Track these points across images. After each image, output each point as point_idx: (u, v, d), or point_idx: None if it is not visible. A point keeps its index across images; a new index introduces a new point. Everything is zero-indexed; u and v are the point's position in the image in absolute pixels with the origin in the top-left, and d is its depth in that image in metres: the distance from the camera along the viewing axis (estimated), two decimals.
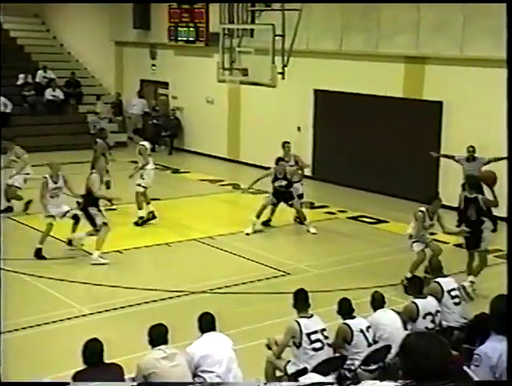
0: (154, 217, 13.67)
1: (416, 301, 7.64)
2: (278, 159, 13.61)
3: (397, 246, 12.70)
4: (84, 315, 9.44)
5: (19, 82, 22.64)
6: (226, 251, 12.34)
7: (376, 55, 16.30)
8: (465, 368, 3.95)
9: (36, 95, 22.46)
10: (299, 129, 18.21)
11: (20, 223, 13.53)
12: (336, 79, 17.13)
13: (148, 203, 13.79)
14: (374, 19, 16.23)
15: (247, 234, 13.15)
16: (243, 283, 10.74)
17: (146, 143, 14.25)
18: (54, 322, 9.17)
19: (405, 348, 3.01)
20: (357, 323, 7.11)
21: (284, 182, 13.30)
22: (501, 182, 10.08)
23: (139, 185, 13.70)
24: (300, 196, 13.72)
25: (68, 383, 6.03)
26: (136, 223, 13.53)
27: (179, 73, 21.50)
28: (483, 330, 4.88)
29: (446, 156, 14.36)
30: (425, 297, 7.71)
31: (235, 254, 12.19)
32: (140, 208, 13.68)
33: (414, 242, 10.90)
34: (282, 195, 13.35)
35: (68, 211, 11.91)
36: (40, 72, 23.03)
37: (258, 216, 13.33)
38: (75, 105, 23.30)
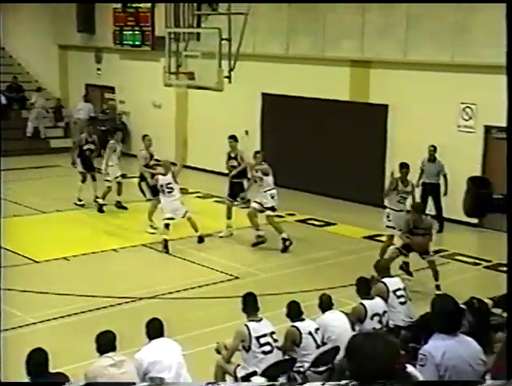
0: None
1: (364, 302, 7.71)
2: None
3: (345, 248, 12.84)
4: (27, 325, 9.24)
5: None
6: (174, 255, 12.25)
7: (322, 58, 16.45)
8: (410, 368, 3.99)
9: None
10: (246, 132, 18.21)
11: None
12: (283, 82, 17.21)
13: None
14: (320, 23, 16.39)
15: (221, 237, 13.27)
16: (192, 288, 10.68)
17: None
18: None
19: (350, 349, 3.03)
20: (306, 326, 7.14)
21: (235, 163, 13.28)
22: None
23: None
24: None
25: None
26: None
27: (125, 77, 21.29)
28: (428, 330, 4.95)
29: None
30: (372, 298, 7.79)
31: (183, 259, 12.11)
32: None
33: (387, 225, 11.64)
34: (233, 188, 13.37)
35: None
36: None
37: (229, 217, 13.38)
38: (18, 110, 22.84)
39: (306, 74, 16.82)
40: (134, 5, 20.28)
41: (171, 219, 12.50)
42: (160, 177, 12.75)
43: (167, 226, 12.47)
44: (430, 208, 13.81)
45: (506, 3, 5.96)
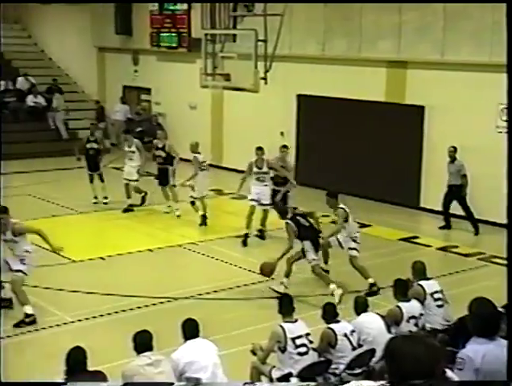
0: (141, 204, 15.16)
1: (400, 304, 7.66)
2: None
3: (380, 250, 12.75)
4: (65, 323, 9.37)
5: (0, 89, 22.49)
6: (210, 256, 12.31)
7: (358, 59, 16.37)
8: (449, 373, 3.94)
9: (17, 101, 22.33)
10: (282, 133, 18.22)
11: None
12: (319, 83, 17.18)
13: (129, 197, 15.10)
14: (357, 24, 16.31)
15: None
16: (228, 288, 10.72)
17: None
18: (37, 330, 9.10)
19: (390, 352, 3.01)
20: (341, 327, 7.12)
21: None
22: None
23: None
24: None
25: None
26: (125, 210, 14.82)
27: (161, 79, 21.47)
28: (466, 333, 4.89)
29: None
30: (409, 301, 7.73)
31: (218, 259, 12.16)
32: (129, 197, 15.03)
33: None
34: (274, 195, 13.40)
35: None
36: (21, 79, 22.89)
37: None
38: (66, 114, 23.15)
39: (342, 75, 16.76)
40: (170, 7, 20.45)
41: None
42: (198, 155, 14.12)
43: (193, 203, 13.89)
44: (454, 209, 13.85)
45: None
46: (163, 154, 14.83)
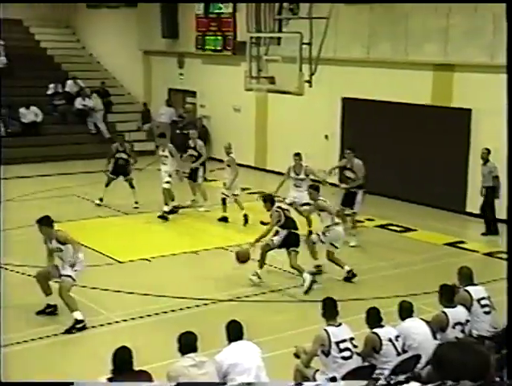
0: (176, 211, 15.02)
1: (446, 310, 7.56)
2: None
3: (425, 255, 12.62)
4: (111, 323, 9.50)
5: (49, 92, 22.94)
6: (254, 259, 12.32)
7: (404, 62, 16.23)
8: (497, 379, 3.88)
9: (66, 104, 22.75)
10: (326, 137, 18.18)
11: None
12: (364, 86, 17.09)
13: (173, 200, 15.00)
14: (402, 26, 16.18)
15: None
16: (271, 291, 10.74)
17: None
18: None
19: (437, 358, 2.98)
20: (386, 332, 7.06)
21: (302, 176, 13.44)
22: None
23: (168, 182, 14.81)
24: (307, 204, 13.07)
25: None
26: (161, 217, 14.59)
27: (206, 82, 21.62)
28: None
29: None
30: (455, 307, 7.63)
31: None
32: (166, 204, 14.78)
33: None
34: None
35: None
36: (70, 82, 23.32)
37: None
38: (104, 114, 23.54)
39: (387, 78, 16.65)
40: (216, 10, 20.59)
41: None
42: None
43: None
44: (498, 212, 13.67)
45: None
46: (195, 153, 15.37)
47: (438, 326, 7.47)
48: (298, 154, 13.78)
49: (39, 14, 25.73)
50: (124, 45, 24.53)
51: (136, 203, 15.45)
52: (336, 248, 11.36)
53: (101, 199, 15.62)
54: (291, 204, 13.07)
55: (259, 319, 9.40)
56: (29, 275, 10.83)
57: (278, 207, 11.22)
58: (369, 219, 14.87)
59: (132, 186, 15.63)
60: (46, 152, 19.85)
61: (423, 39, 15.87)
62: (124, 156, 15.71)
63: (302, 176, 13.54)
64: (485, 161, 13.85)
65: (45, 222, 9.42)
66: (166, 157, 14.95)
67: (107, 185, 15.64)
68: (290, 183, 13.77)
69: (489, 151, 13.81)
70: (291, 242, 11.01)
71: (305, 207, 12.93)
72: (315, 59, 13.36)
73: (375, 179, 16.83)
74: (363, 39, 17.02)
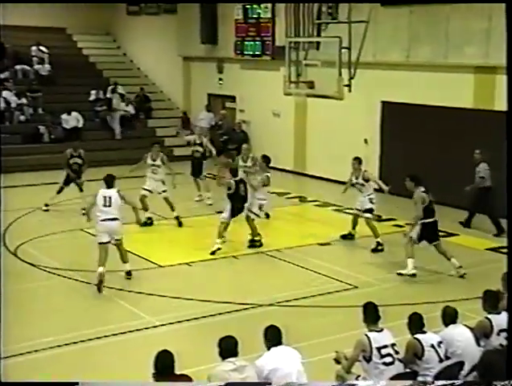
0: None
1: (490, 316, 7.43)
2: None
3: (468, 260, 12.43)
4: (152, 327, 9.57)
5: (91, 98, 23.30)
6: (293, 263, 12.32)
7: (445, 65, 16.06)
8: None
9: (107, 110, 23.05)
10: (365, 141, 18.08)
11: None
12: (404, 90, 16.95)
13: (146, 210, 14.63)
14: (443, 29, 16.01)
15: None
16: (311, 296, 10.70)
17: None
18: (124, 333, 9.34)
19: (484, 365, 2.94)
20: (428, 338, 6.97)
21: (361, 181, 13.23)
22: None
23: (165, 191, 14.92)
24: (369, 210, 13.29)
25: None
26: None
27: (245, 87, 21.69)
28: None
29: None
30: (499, 313, 7.49)
31: (302, 267, 12.16)
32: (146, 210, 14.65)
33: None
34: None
35: None
36: (111, 88, 23.63)
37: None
38: (144, 120, 23.80)
39: (427, 81, 16.49)
40: (255, 15, 20.66)
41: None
42: None
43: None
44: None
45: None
46: (201, 150, 16.42)
47: (482, 332, 7.34)
48: (356, 158, 13.52)
49: (81, 21, 26.15)
50: (164, 51, 24.77)
51: (173, 210, 14.85)
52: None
53: (46, 205, 15.61)
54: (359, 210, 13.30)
55: (299, 324, 9.38)
56: (76, 279, 11.05)
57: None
58: (409, 224, 14.70)
59: (81, 190, 15.59)
60: (88, 157, 20.12)
61: (464, 42, 15.68)
62: (78, 161, 15.76)
63: (360, 181, 13.25)
64: (479, 162, 14.24)
65: None
66: (158, 166, 14.83)
67: (59, 192, 15.62)
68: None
69: (481, 153, 14.15)
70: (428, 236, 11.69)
71: (367, 215, 13.11)
72: (354, 63, 13.32)
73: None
74: (403, 43, 16.89)
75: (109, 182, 11.26)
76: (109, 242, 10.91)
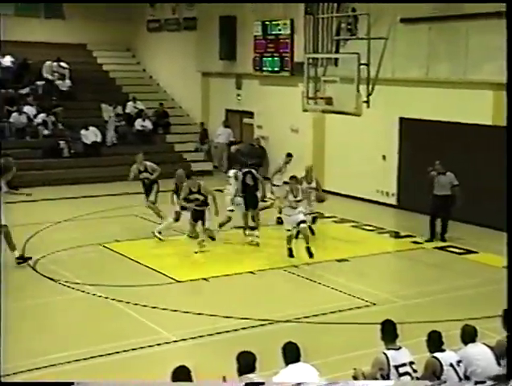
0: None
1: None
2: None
3: (487, 277, 12.36)
4: (170, 342, 9.58)
5: (110, 114, 23.46)
6: (311, 280, 12.30)
7: (463, 82, 16.03)
8: None
9: (126, 125, 23.23)
10: (384, 157, 18.05)
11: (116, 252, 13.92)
12: (422, 106, 16.93)
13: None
14: (462, 46, 15.98)
15: None
16: (331, 312, 10.66)
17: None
18: (142, 347, 9.35)
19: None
20: (447, 357, 6.91)
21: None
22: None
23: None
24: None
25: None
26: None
27: (264, 102, 21.77)
28: None
29: None
30: None
31: (319, 283, 12.13)
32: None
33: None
34: None
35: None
36: (130, 103, 23.82)
37: None
38: (163, 135, 23.93)
39: (446, 98, 16.46)
40: (274, 32, 20.77)
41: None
42: None
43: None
44: None
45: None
46: (201, 197, 13.80)
47: (502, 351, 7.27)
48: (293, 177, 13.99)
49: (101, 38, 26.45)
50: (183, 67, 24.95)
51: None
52: None
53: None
54: None
55: (316, 341, 9.33)
56: (94, 294, 11.11)
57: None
58: (428, 241, 14.66)
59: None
60: (107, 172, 20.30)
61: (483, 58, 15.64)
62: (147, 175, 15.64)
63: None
64: (444, 172, 14.61)
65: None
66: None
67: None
68: None
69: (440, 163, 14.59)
70: None
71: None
72: (372, 80, 13.34)
73: None
74: (421, 59, 16.88)
75: None
76: None
